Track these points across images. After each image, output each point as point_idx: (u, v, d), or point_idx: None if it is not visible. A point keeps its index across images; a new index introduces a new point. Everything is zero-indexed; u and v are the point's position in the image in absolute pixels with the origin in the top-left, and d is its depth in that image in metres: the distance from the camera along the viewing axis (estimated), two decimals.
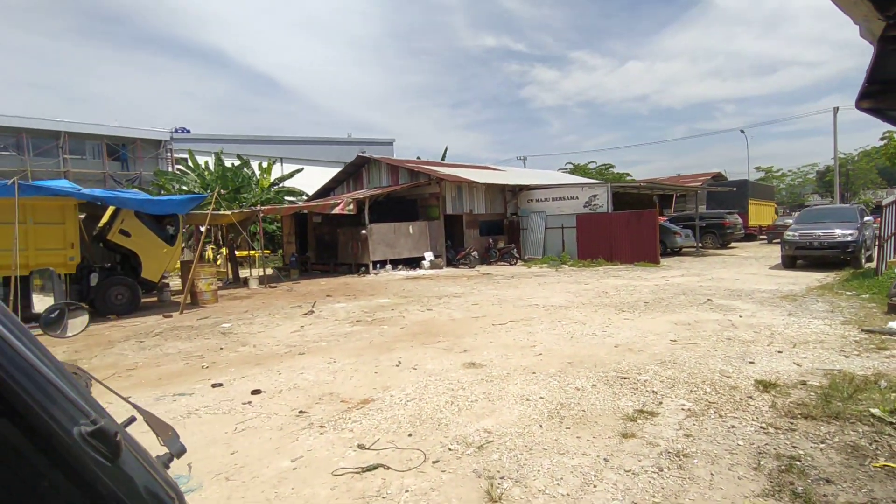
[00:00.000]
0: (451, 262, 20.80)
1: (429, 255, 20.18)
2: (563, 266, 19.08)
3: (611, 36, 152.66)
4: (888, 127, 20.68)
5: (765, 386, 4.87)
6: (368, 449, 3.93)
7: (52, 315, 2.07)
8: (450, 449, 3.86)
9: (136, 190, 14.09)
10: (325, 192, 25.64)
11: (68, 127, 29.78)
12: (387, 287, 14.57)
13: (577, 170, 51.55)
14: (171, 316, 10.59)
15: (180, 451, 1.13)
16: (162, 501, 0.70)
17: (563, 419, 4.34)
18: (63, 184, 11.06)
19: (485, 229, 22.59)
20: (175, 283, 16.64)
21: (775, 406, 4.40)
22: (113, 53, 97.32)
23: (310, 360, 6.72)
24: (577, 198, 21.20)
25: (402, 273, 18.71)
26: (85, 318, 2.15)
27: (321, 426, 4.42)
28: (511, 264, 20.68)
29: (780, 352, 6.13)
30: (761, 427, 3.99)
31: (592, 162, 54.20)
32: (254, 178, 28.60)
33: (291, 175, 29.81)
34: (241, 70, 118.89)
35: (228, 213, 14.77)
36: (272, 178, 29.29)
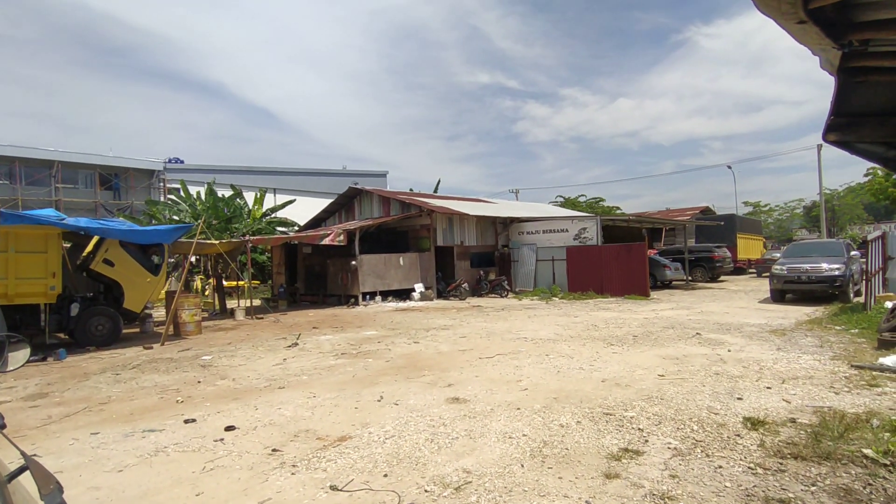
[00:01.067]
0: (441, 294, 20.66)
1: (419, 287, 20.04)
2: (554, 298, 18.98)
3: (601, 74, 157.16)
4: (871, 164, 21.11)
5: (753, 423, 4.75)
6: (341, 490, 3.74)
7: None
8: (426, 490, 3.68)
9: (122, 219, 13.97)
10: (316, 222, 25.63)
11: (62, 156, 29.83)
12: (375, 319, 14.37)
13: (567, 203, 52.09)
14: (151, 347, 10.33)
15: None
16: None
17: (546, 458, 4.17)
18: (49, 213, 10.97)
19: (476, 261, 22.56)
20: (159, 313, 16.35)
21: (764, 445, 4.27)
22: (114, 86, 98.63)
23: (289, 394, 6.52)
24: (567, 230, 21.29)
25: (392, 305, 18.52)
26: (26, 351, 2.04)
27: (293, 465, 4.23)
28: (502, 296, 20.57)
29: (768, 388, 6.01)
30: (749, 468, 3.86)
31: (583, 195, 54.90)
32: (246, 209, 28.62)
33: (283, 206, 29.86)
34: (239, 102, 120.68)
35: (216, 242, 14.66)
36: (264, 209, 29.35)
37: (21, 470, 1.21)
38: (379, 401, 6.09)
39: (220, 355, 9.33)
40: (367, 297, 19.04)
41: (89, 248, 11.58)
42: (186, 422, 5.46)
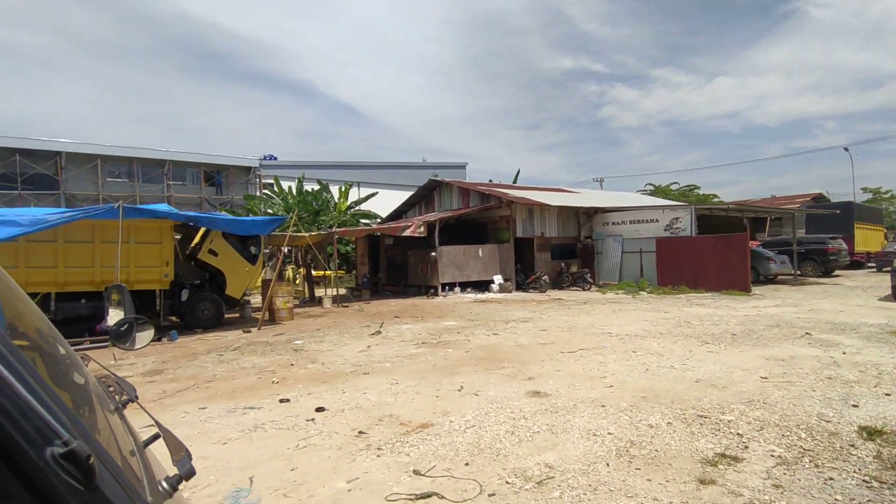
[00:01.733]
0: (520, 286, 20.48)
1: (498, 279, 20.00)
2: (641, 293, 18.16)
3: (697, 52, 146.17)
4: None
5: (870, 433, 4.28)
6: (423, 475, 3.85)
7: (122, 328, 2.21)
8: (507, 482, 3.70)
9: (224, 213, 15.29)
10: (397, 214, 26.34)
11: (172, 156, 32.95)
12: (454, 310, 14.56)
13: (657, 191, 49.38)
14: (249, 331, 11.20)
15: (189, 474, 1.13)
16: None
17: (633, 459, 4.03)
18: (163, 207, 12.17)
19: (557, 253, 22.10)
20: (256, 300, 17.64)
21: (881, 457, 3.84)
22: (215, 89, 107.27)
23: (373, 380, 6.79)
24: (657, 220, 20.23)
25: (471, 296, 18.65)
26: (150, 332, 2.29)
27: (379, 448, 4.41)
28: (584, 289, 20.01)
29: (888, 394, 5.38)
30: (864, 480, 3.48)
31: (675, 183, 51.73)
32: (332, 202, 30.06)
33: (367, 199, 30.99)
34: (326, 100, 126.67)
35: (306, 235, 15.54)
36: (349, 202, 30.66)
37: (154, 438, 1.35)
38: (459, 391, 6.18)
39: (310, 340, 9.91)
40: (447, 287, 19.31)
41: (196, 239, 12.74)
42: (281, 401, 5.87)
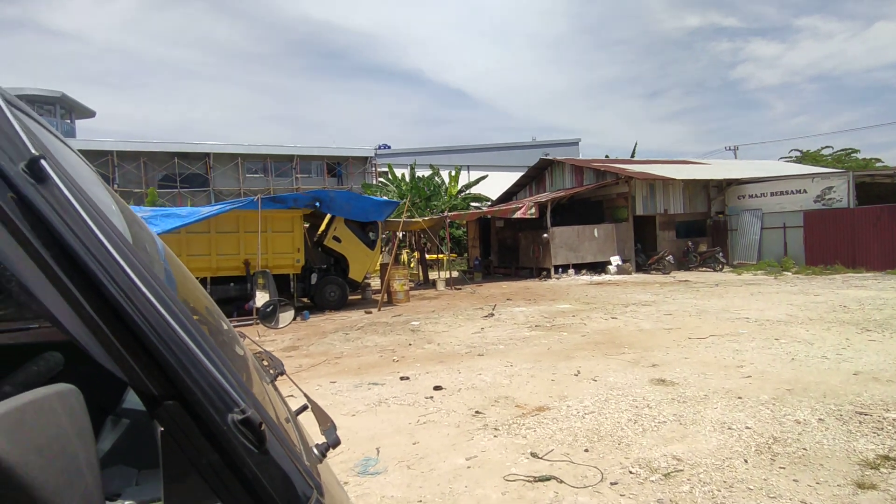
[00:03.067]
0: (640, 268, 19.38)
1: (615, 260, 19.11)
2: (786, 273, 16.25)
3: None
4: None
5: None
6: (541, 458, 3.85)
7: (268, 309, 2.48)
8: (630, 472, 3.57)
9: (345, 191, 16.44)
10: (508, 196, 26.20)
11: (298, 151, 35.88)
12: (568, 292, 14.21)
13: (805, 157, 43.45)
14: (370, 312, 11.95)
15: (335, 443, 1.23)
16: (298, 490, 0.77)
17: (777, 456, 3.66)
18: (300, 195, 13.38)
19: (682, 231, 20.51)
20: (375, 283, 18.72)
21: None
22: (333, 85, 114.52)
23: (488, 361, 6.90)
24: (804, 191, 17.88)
25: (586, 278, 18.06)
26: (291, 312, 2.53)
27: (495, 429, 4.49)
28: (716, 270, 18.39)
29: None
30: None
31: (827, 147, 45.05)
32: (443, 187, 30.75)
33: (477, 182, 31.17)
34: (436, 86, 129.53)
35: (419, 220, 16.11)
36: (459, 186, 31.13)
37: (303, 408, 1.50)
38: (576, 375, 6.05)
39: (426, 322, 10.32)
40: (560, 270, 18.88)
41: (322, 227, 13.81)
42: (402, 379, 6.20)
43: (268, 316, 2.44)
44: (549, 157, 24.65)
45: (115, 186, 30.98)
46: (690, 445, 3.95)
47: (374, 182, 35.23)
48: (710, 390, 5.22)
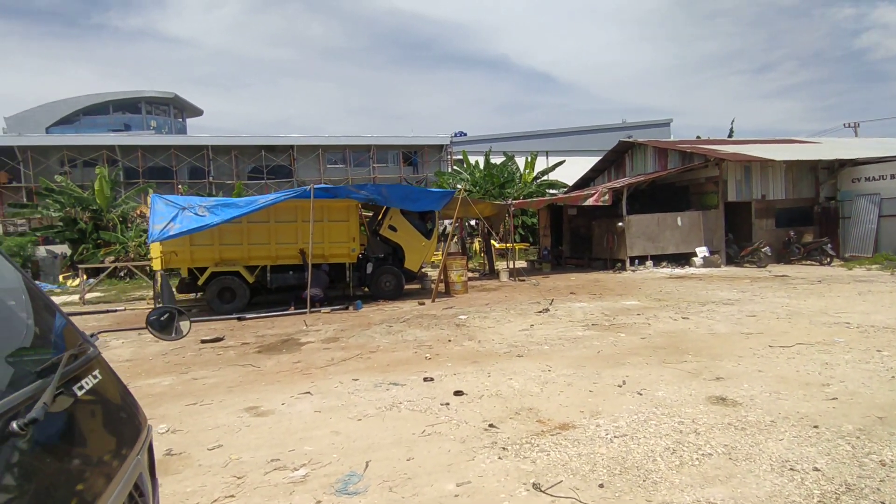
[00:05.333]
0: (732, 260, 17.44)
1: (701, 251, 17.33)
2: None
3: None
4: None
5: None
6: (543, 492, 3.26)
7: (163, 318, 2.12)
8: None
9: (401, 184, 16.26)
10: (584, 182, 24.76)
11: (376, 141, 36.49)
12: (641, 287, 13.02)
13: None
14: (423, 304, 11.65)
15: None
16: None
17: None
18: (354, 188, 13.35)
19: (783, 219, 18.17)
20: (434, 273, 18.46)
21: None
22: (418, 76, 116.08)
23: (525, 364, 6.29)
24: None
25: (665, 271, 16.55)
26: (188, 322, 2.17)
27: (503, 448, 3.94)
28: (822, 264, 16.11)
29: None
30: None
31: None
32: (518, 174, 29.83)
33: (553, 168, 29.94)
34: (521, 71, 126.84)
35: (478, 206, 15.56)
36: (535, 172, 30.03)
37: None
38: (619, 386, 5.30)
39: (475, 316, 9.82)
40: (637, 261, 17.46)
41: (380, 216, 13.69)
42: (425, 380, 5.78)
43: (164, 326, 2.10)
44: (629, 140, 22.93)
45: (210, 178, 33.34)
46: (735, 490, 3.16)
47: (449, 170, 35.02)
48: (779, 414, 4.29)
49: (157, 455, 4.05)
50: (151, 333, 2.08)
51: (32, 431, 1.18)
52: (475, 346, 7.45)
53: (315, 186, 11.08)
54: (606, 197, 17.07)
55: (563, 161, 30.33)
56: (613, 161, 23.38)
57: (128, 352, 7.95)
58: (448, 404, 4.97)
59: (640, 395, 5.01)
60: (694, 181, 19.25)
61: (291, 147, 35.06)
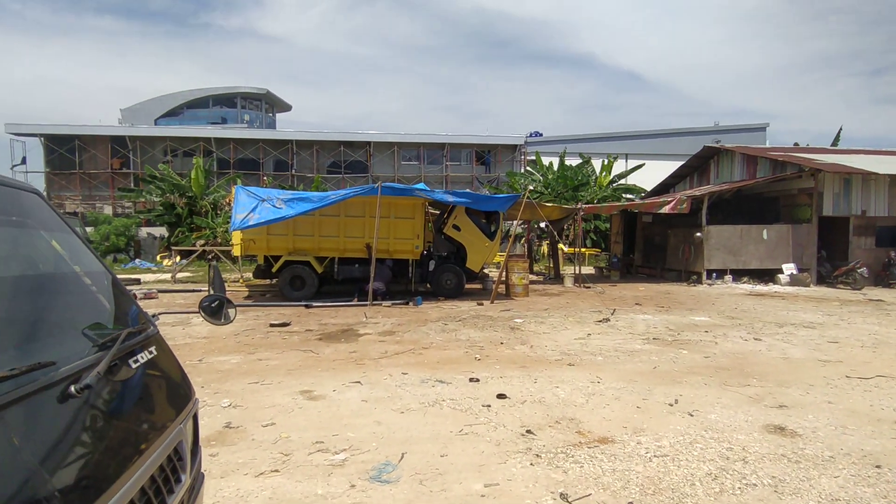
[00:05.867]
0: (823, 280, 16.06)
1: (788, 268, 16.08)
2: None
3: None
4: None
5: None
6: (569, 503, 3.27)
7: (213, 305, 2.38)
8: None
9: (468, 191, 16.46)
10: (663, 188, 23.71)
11: (450, 139, 36.91)
12: (714, 302, 12.33)
13: None
14: (482, 304, 11.73)
15: None
16: None
17: None
18: (420, 186, 13.68)
19: (885, 238, 16.47)
20: (496, 274, 18.44)
21: None
22: (500, 73, 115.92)
23: (574, 373, 6.22)
24: None
25: (746, 287, 15.52)
26: (235, 310, 2.42)
27: (537, 455, 3.97)
28: None
29: None
30: None
31: None
32: (593, 176, 29.05)
33: (631, 172, 28.89)
34: (607, 70, 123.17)
35: (544, 206, 15.37)
36: (612, 176, 29.10)
37: None
38: (670, 405, 5.12)
39: (532, 320, 9.78)
40: (714, 275, 16.51)
41: (445, 215, 13.91)
42: (471, 380, 5.88)
43: (214, 312, 2.36)
44: (715, 145, 21.67)
45: (293, 171, 35.26)
46: None
47: (521, 170, 34.75)
48: (841, 450, 3.99)
49: (218, 427, 4.48)
50: (203, 317, 2.35)
51: (87, 395, 1.43)
52: (527, 350, 7.44)
53: (383, 184, 11.48)
54: (684, 205, 16.27)
55: (643, 165, 29.16)
56: (697, 167, 22.23)
57: (205, 330, 8.68)
58: (489, 406, 5.05)
59: (691, 416, 4.83)
60: (785, 192, 17.88)
61: (368, 143, 36.28)
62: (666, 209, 16.37)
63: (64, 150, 32.66)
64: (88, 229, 23.92)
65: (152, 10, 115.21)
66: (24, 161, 32.78)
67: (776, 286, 15.61)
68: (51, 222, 1.86)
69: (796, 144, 28.62)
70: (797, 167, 17.03)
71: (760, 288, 15.31)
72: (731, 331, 8.88)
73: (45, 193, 31.27)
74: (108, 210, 32.41)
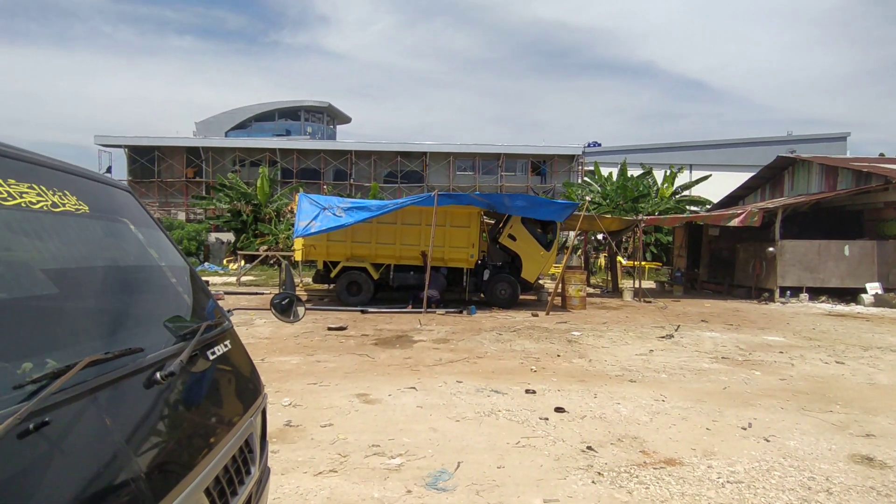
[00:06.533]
0: None
1: (873, 287, 14.84)
2: None
3: None
4: None
5: None
6: None
7: (284, 302, 2.45)
8: None
9: (525, 195, 16.22)
10: (732, 200, 22.56)
11: (505, 149, 36.82)
12: (789, 322, 11.53)
13: None
14: (536, 315, 11.53)
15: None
16: None
17: None
18: (477, 195, 13.68)
19: None
20: (552, 285, 18.08)
21: None
22: (557, 83, 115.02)
23: (636, 390, 5.96)
24: None
25: (824, 307, 14.43)
26: (304, 308, 2.47)
27: (598, 473, 3.81)
28: None
29: None
30: None
31: None
32: (654, 188, 28.08)
33: (696, 183, 27.79)
34: (669, 78, 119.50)
35: (605, 220, 14.96)
36: (675, 187, 28.03)
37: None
38: (743, 429, 4.80)
39: (589, 333, 9.50)
40: (788, 293, 15.46)
41: (500, 224, 13.83)
42: (527, 392, 5.76)
43: (284, 309, 2.42)
44: (790, 155, 20.42)
45: (352, 181, 36.25)
46: None
47: (579, 181, 34.10)
48: None
49: (279, 424, 4.60)
50: (274, 314, 2.42)
51: (171, 381, 1.48)
52: (585, 364, 7.22)
53: (439, 193, 11.57)
54: (756, 218, 15.39)
55: (709, 176, 27.97)
56: (769, 178, 21.02)
57: (267, 330, 9.00)
58: (547, 419, 4.91)
59: (767, 441, 4.50)
60: (870, 205, 16.57)
61: (424, 154, 36.81)
62: (735, 222, 15.54)
63: (144, 161, 35.19)
64: None
65: (228, 30, 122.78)
66: (109, 170, 35.59)
67: (859, 306, 14.43)
68: (140, 218, 1.96)
69: (882, 155, 26.56)
70: (884, 178, 15.72)
71: (841, 308, 14.19)
72: (809, 352, 8.26)
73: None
74: (181, 216, 34.53)
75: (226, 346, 1.98)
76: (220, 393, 1.89)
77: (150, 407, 1.42)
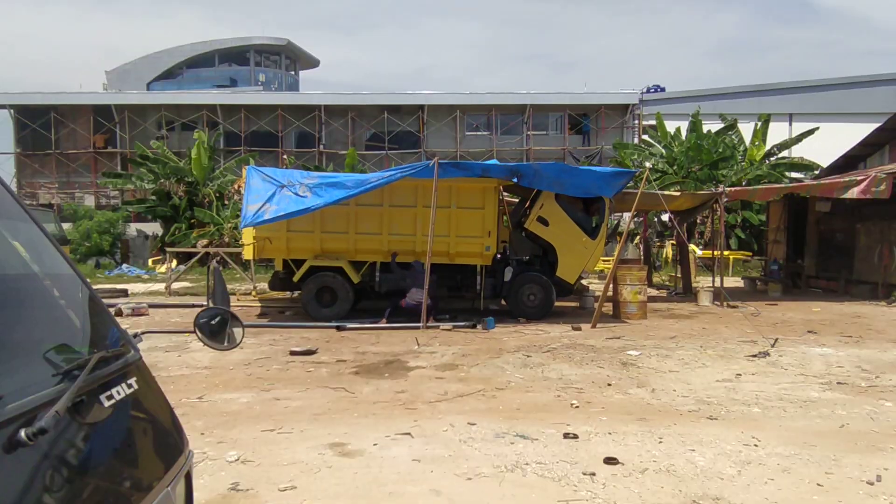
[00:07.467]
0: None
1: None
2: None
3: None
4: None
5: None
6: None
7: (213, 322, 2.39)
8: None
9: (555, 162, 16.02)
10: (848, 163, 22.48)
11: (533, 99, 36.73)
12: None
13: None
14: (579, 329, 11.54)
15: None
16: None
17: None
18: (492, 163, 13.63)
19: None
20: (599, 287, 18.06)
21: None
22: (599, 7, 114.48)
23: (719, 431, 5.96)
24: None
25: None
26: (242, 329, 2.41)
27: None
28: None
29: None
30: None
31: None
32: (741, 147, 27.92)
33: (799, 140, 27.58)
34: None
35: (673, 194, 14.90)
36: (769, 146, 27.88)
37: None
38: (870, 484, 4.76)
39: (651, 352, 9.55)
40: None
41: (527, 204, 13.74)
42: (566, 436, 5.75)
43: (214, 332, 2.36)
44: None
45: (322, 147, 36.33)
46: None
47: (634, 140, 33.98)
48: None
49: (221, 489, 4.59)
50: (199, 338, 2.36)
51: (42, 443, 1.42)
52: (646, 395, 7.25)
53: (441, 161, 11.52)
54: (883, 186, 15.28)
55: (816, 129, 27.72)
56: None
57: (207, 358, 9.01)
58: (594, 475, 4.89)
59: None
60: None
61: (421, 107, 36.81)
62: (854, 192, 15.46)
63: (37, 125, 35.38)
64: (66, 226, 25.69)
65: None
66: None
67: None
68: (2, 206, 1.90)
69: None
70: None
71: None
72: None
73: (14, 179, 34.04)
74: (89, 201, 34.81)
75: (130, 385, 1.92)
76: (121, 454, 1.84)
77: (11, 482, 1.35)
